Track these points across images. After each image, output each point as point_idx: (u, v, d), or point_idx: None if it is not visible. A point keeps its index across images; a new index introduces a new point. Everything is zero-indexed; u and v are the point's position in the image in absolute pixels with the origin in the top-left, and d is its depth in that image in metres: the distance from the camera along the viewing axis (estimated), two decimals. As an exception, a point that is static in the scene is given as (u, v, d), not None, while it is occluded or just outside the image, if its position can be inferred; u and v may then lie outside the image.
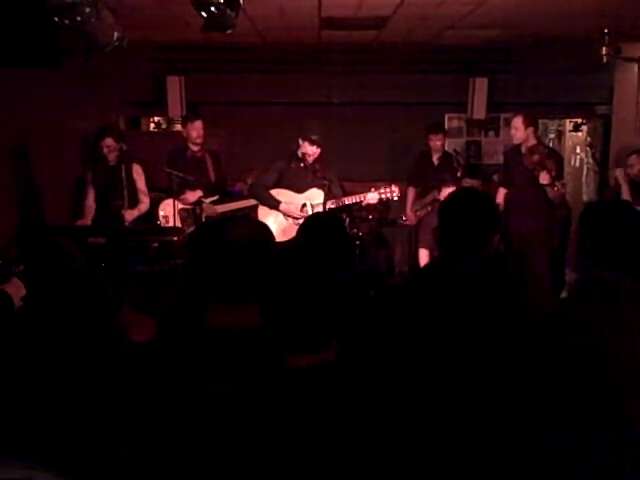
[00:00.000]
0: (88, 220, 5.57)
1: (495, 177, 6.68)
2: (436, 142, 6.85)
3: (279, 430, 1.48)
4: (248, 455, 1.50)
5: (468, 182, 6.79)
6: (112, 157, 5.53)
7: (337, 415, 1.51)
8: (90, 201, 5.62)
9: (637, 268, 2.13)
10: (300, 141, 5.26)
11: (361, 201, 5.31)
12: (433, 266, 2.30)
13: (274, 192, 5.33)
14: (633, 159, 5.82)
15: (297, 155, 5.29)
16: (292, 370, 1.55)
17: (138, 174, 5.65)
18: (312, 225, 2.99)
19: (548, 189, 5.24)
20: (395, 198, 5.38)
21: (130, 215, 5.47)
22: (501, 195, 5.74)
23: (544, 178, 5.19)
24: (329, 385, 1.55)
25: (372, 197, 5.28)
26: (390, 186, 5.33)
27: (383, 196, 5.30)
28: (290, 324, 1.56)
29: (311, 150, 5.21)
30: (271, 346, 1.60)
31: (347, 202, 5.28)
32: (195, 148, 5.93)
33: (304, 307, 1.55)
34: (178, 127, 8.66)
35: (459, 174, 6.30)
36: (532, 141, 5.42)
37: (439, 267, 2.13)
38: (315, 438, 1.48)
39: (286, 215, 5.30)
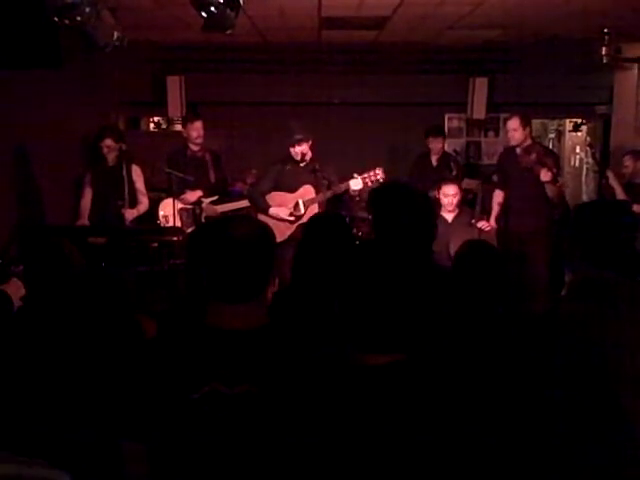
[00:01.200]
0: (85, 220, 5.57)
1: (495, 177, 6.68)
2: (436, 145, 6.88)
3: (307, 431, 1.50)
4: (259, 457, 1.51)
5: (468, 182, 6.79)
6: (112, 157, 5.52)
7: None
8: (86, 200, 5.60)
9: (634, 268, 2.13)
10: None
11: (347, 189, 5.14)
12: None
13: (268, 196, 5.32)
14: (627, 160, 5.82)
15: (292, 157, 5.27)
16: (369, 368, 1.59)
17: (137, 175, 5.64)
18: (314, 226, 3.03)
19: (549, 186, 5.21)
20: (380, 181, 5.09)
21: (130, 214, 5.47)
22: (499, 197, 5.73)
23: (545, 175, 5.15)
24: (407, 383, 1.59)
25: (355, 183, 5.09)
26: (374, 169, 5.13)
27: (367, 180, 5.09)
28: (370, 322, 1.59)
29: (300, 151, 5.19)
30: (277, 346, 1.60)
31: (338, 192, 5.17)
32: (195, 148, 5.93)
33: (386, 305, 1.59)
34: (178, 127, 8.66)
35: (455, 173, 6.29)
36: (528, 141, 5.42)
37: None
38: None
39: (276, 219, 5.26)
